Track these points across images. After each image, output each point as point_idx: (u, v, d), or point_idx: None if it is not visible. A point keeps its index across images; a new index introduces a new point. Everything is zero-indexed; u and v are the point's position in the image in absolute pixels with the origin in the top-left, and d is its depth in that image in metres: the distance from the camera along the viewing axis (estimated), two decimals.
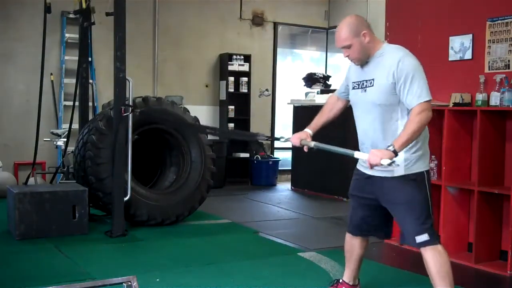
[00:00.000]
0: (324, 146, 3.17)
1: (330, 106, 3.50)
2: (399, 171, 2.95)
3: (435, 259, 2.92)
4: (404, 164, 2.94)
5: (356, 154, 2.92)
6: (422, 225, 2.93)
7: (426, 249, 2.94)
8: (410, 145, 2.92)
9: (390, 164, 2.70)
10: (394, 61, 2.88)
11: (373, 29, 3.02)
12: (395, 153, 2.74)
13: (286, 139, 3.37)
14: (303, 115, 8.00)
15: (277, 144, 9.18)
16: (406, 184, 2.96)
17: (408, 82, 2.83)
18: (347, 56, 3.01)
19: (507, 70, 4.29)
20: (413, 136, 2.80)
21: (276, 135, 9.18)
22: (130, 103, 4.98)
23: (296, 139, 3.24)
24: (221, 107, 8.58)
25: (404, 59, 2.88)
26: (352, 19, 2.98)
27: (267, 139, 3.72)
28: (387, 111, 2.95)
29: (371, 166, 2.80)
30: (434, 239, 2.96)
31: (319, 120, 3.45)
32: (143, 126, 5.37)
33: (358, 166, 3.22)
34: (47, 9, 5.70)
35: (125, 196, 4.91)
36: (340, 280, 3.42)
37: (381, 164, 2.72)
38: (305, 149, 3.22)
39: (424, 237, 2.93)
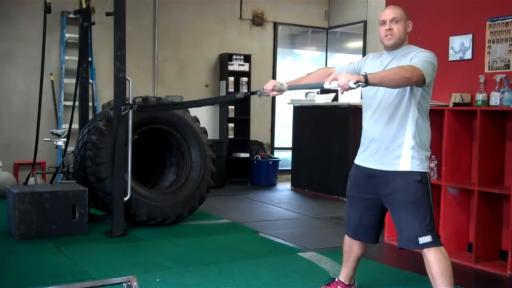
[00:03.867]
0: (297, 85, 3.23)
1: (318, 76, 3.27)
2: (405, 166, 2.96)
3: (438, 261, 2.92)
4: (410, 161, 2.97)
5: (326, 85, 2.76)
6: (426, 226, 2.94)
7: (429, 250, 2.94)
8: (420, 143, 2.97)
9: (356, 84, 2.60)
10: (416, 52, 2.99)
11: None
12: (365, 79, 2.64)
13: (262, 91, 3.20)
14: (303, 115, 8.02)
15: (277, 144, 9.19)
16: (413, 184, 2.96)
17: (420, 57, 2.92)
18: (389, 29, 3.02)
19: (507, 70, 4.29)
20: (388, 77, 2.76)
21: (276, 135, 9.20)
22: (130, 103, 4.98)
23: (270, 85, 3.14)
24: (221, 107, 8.57)
25: (425, 51, 3.00)
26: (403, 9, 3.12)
27: (245, 95, 3.68)
28: (402, 101, 2.97)
29: (342, 88, 2.66)
30: (437, 240, 2.97)
31: (299, 81, 3.30)
32: (143, 126, 5.38)
33: (359, 162, 3.18)
34: (47, 9, 5.70)
35: (125, 196, 4.92)
36: (336, 279, 3.43)
37: (349, 87, 2.61)
38: (274, 94, 3.14)
39: (427, 239, 2.93)
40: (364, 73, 2.68)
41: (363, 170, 3.15)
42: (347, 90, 2.66)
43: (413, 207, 2.96)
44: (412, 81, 2.81)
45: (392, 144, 3.00)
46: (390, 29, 3.02)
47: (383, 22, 3.05)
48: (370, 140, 3.10)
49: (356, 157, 3.23)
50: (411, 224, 2.97)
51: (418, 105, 2.99)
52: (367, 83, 2.64)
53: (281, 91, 3.14)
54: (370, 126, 3.11)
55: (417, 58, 2.92)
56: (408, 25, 3.07)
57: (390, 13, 3.05)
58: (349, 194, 3.27)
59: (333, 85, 2.71)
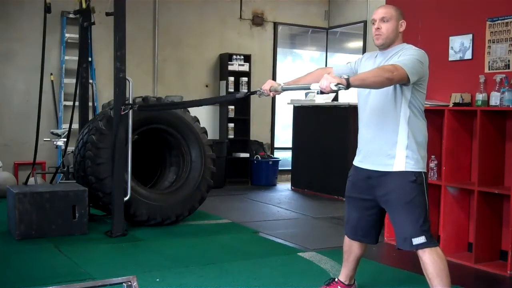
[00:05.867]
0: (290, 86, 3.20)
1: (316, 76, 3.23)
2: (399, 166, 2.96)
3: (434, 262, 2.91)
4: (405, 161, 2.96)
5: (312, 86, 2.80)
6: (420, 227, 2.93)
7: (424, 251, 2.94)
8: (414, 143, 2.96)
9: (336, 86, 2.62)
10: (405, 50, 2.98)
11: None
12: (347, 82, 2.64)
13: (261, 91, 3.21)
14: (303, 115, 8.02)
15: (277, 144, 9.19)
16: (407, 185, 2.96)
17: (406, 55, 2.90)
18: (378, 29, 3.02)
19: (507, 70, 4.29)
20: (370, 79, 2.75)
21: (276, 135, 9.19)
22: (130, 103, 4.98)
23: (267, 85, 3.15)
24: (221, 107, 8.57)
25: (414, 49, 2.98)
26: (398, 8, 3.10)
27: (245, 95, 3.71)
28: (392, 101, 2.96)
29: (323, 90, 2.70)
30: (432, 241, 2.96)
31: (296, 82, 3.30)
32: (143, 126, 5.38)
33: (357, 163, 3.19)
34: (47, 9, 5.69)
35: (125, 196, 4.92)
36: (336, 279, 3.43)
37: (330, 89, 2.63)
38: (272, 94, 3.16)
39: (421, 239, 2.93)
40: (347, 76, 2.68)
41: (360, 172, 3.15)
42: (328, 92, 2.71)
43: (407, 207, 2.95)
44: (395, 80, 2.79)
45: (386, 145, 3.00)
46: (378, 28, 3.02)
47: (373, 21, 3.06)
48: (366, 142, 3.11)
49: (355, 158, 3.24)
50: (405, 225, 2.98)
51: (409, 104, 2.96)
52: (348, 85, 2.65)
53: (277, 91, 3.16)
54: (364, 127, 3.12)
55: (403, 56, 2.90)
56: (400, 24, 3.04)
57: (380, 12, 3.04)
58: (348, 195, 3.27)
59: (316, 86, 2.74)
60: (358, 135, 3.20)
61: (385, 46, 3.05)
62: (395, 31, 3.03)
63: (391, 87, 2.93)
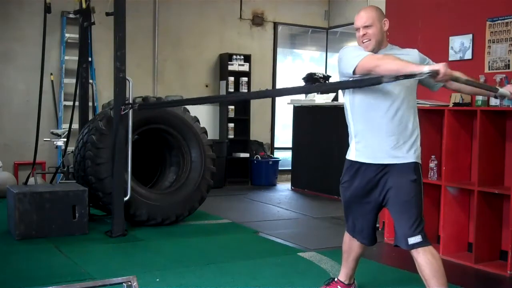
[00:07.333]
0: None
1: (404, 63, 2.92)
2: (412, 158, 2.98)
3: (429, 264, 2.89)
4: (417, 153, 3.01)
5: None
6: (416, 228, 2.92)
7: (418, 251, 2.92)
8: (420, 136, 3.05)
9: None
10: (414, 51, 3.12)
11: None
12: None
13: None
14: (303, 115, 8.02)
15: (277, 144, 9.19)
16: (406, 184, 2.96)
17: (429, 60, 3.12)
18: (363, 35, 3.00)
19: (507, 70, 4.29)
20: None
21: (276, 136, 9.18)
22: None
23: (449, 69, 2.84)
24: (221, 107, 8.57)
25: (418, 52, 3.13)
26: (377, 7, 3.10)
27: (397, 78, 2.76)
28: (412, 95, 3.03)
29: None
30: (426, 241, 2.94)
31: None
32: (143, 126, 5.38)
33: (365, 159, 3.09)
34: (47, 9, 5.70)
35: (125, 196, 4.92)
36: (336, 279, 3.43)
37: None
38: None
39: (417, 239, 2.91)
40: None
41: (360, 172, 3.10)
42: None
43: (404, 207, 2.95)
44: None
45: (403, 137, 2.98)
46: (364, 34, 3.00)
47: (357, 29, 3.04)
48: (374, 135, 3.02)
49: (358, 154, 3.15)
50: (402, 224, 2.97)
51: (416, 100, 3.08)
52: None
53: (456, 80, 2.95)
54: (383, 121, 2.98)
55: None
56: (384, 23, 3.02)
57: (361, 18, 3.02)
58: (348, 199, 3.21)
59: None
60: (359, 128, 3.12)
61: (376, 50, 3.04)
62: (381, 33, 3.02)
63: (417, 82, 3.04)
